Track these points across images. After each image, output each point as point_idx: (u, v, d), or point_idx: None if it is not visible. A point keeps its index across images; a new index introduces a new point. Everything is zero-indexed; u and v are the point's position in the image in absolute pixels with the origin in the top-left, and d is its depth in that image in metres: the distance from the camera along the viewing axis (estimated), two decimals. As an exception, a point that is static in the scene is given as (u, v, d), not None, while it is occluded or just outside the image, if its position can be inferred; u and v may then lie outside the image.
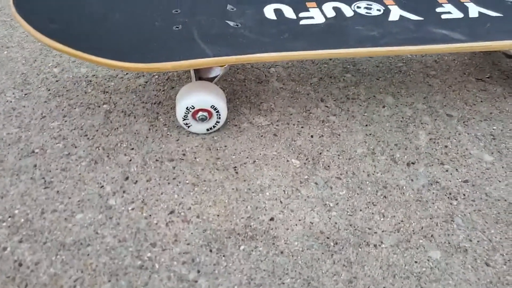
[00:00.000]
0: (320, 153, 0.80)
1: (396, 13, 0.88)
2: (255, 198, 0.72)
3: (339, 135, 0.85)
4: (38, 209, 0.70)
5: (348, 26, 0.84)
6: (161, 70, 0.70)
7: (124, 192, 0.73)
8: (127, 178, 0.75)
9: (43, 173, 0.75)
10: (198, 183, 0.74)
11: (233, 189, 0.73)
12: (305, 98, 0.93)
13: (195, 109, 0.78)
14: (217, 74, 0.88)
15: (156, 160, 0.78)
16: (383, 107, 0.92)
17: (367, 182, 0.75)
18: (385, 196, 0.72)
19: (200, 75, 0.88)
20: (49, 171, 0.76)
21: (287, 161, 0.79)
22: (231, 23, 0.82)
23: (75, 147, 0.80)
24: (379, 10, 0.89)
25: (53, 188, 0.73)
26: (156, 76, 0.98)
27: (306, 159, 0.79)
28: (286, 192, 0.73)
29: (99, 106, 0.90)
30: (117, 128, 0.85)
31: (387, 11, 0.89)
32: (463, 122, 0.88)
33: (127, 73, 0.99)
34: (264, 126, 0.86)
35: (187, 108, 0.78)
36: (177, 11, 0.85)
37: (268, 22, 0.84)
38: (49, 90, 0.94)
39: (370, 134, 0.85)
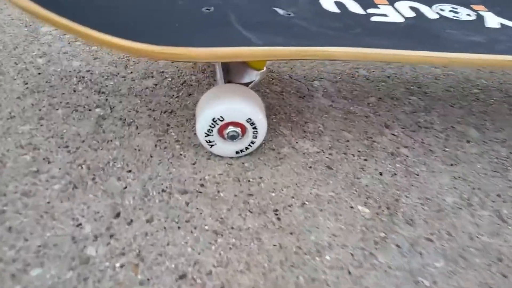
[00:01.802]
0: (397, 200, 0.57)
1: (493, 20, 0.67)
2: (310, 263, 0.47)
3: (417, 175, 0.61)
4: (-26, 254, 0.45)
5: (437, 29, 0.62)
6: (184, 58, 0.47)
7: (111, 236, 0.48)
8: (118, 215, 0.51)
9: (-6, 197, 0.51)
10: (223, 231, 0.50)
11: (275, 245, 0.49)
12: (363, 121, 0.70)
13: (224, 121, 0.55)
14: (252, 80, 0.66)
15: (163, 191, 0.54)
16: (468, 142, 0.69)
17: (472, 249, 0.51)
18: (504, 275, 0.48)
19: (230, 80, 0.65)
20: (4, 194, 0.52)
21: (351, 207, 0.55)
22: (280, 11, 0.60)
23: (48, 162, 0.56)
24: (469, 15, 0.68)
25: (3, 223, 0.48)
26: (169, 79, 0.75)
27: (379, 207, 0.55)
28: (355, 257, 0.49)
29: (90, 110, 0.66)
30: (111, 140, 0.61)
31: (480, 18, 0.68)
32: None
33: (131, 72, 0.76)
34: (313, 154, 0.62)
35: (213, 119, 0.54)
36: (208, -9, 0.63)
37: (329, 14, 0.62)
38: (26, 84, 0.70)
39: (459, 178, 0.62)
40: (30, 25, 0.89)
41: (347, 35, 0.55)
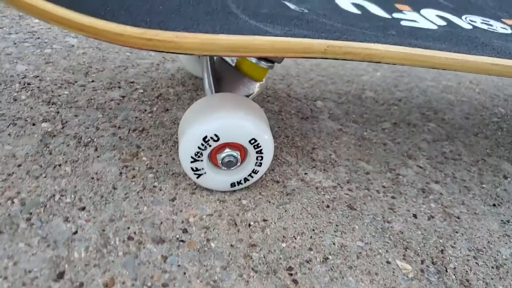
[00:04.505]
0: (442, 251, 0.43)
1: (533, 34, 0.57)
2: None
3: (458, 218, 0.48)
4: None
5: (482, 38, 0.51)
6: (175, 48, 0.33)
7: (46, 311, 0.31)
8: (61, 276, 0.34)
9: None
10: (219, 300, 0.34)
11: (295, 322, 0.34)
12: (381, 149, 0.58)
13: (219, 142, 0.40)
14: (250, 93, 0.52)
15: (129, 239, 0.38)
16: (505, 177, 0.57)
17: (554, 323, 0.38)
18: None
19: (222, 91, 0.51)
20: None
21: (388, 262, 0.40)
22: (292, 6, 0.47)
23: (-36, 195, 0.39)
24: (504, 28, 0.59)
25: None
26: (141, 90, 0.60)
27: (422, 262, 0.41)
28: (407, 338, 0.34)
29: (33, 124, 0.50)
30: (60, 165, 0.45)
31: (516, 32, 0.58)
32: None
33: (92, 80, 0.60)
34: (328, 188, 0.48)
35: (205, 139, 0.40)
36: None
37: (349, 14, 0.50)
38: None
39: (509, 222, 0.49)
40: (-32, 21, 0.72)
41: (384, 35, 0.43)
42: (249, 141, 0.41)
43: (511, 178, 0.57)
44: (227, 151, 0.41)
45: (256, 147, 0.41)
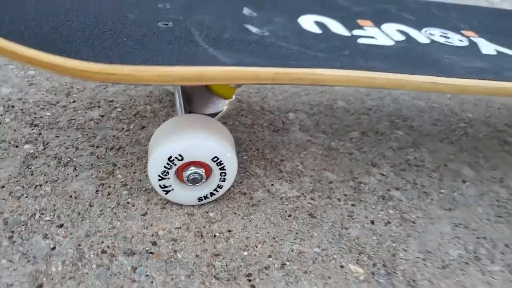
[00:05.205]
0: (394, 255, 0.47)
1: (488, 46, 0.61)
2: None
3: (413, 222, 0.52)
4: None
5: (434, 53, 0.55)
6: (132, 80, 0.36)
7: (24, 321, 0.35)
8: (37, 289, 0.38)
9: None
10: (181, 307, 0.38)
11: (249, 325, 0.37)
12: (347, 159, 0.61)
13: (183, 161, 0.44)
14: (219, 111, 0.56)
15: (103, 252, 0.42)
16: (463, 182, 0.61)
17: (491, 319, 0.41)
18: None
19: (192, 110, 0.55)
20: None
21: (341, 266, 0.44)
22: (253, 29, 0.51)
23: (-49, 216, 0.43)
24: (461, 41, 0.62)
25: None
26: (119, 109, 0.64)
27: (373, 265, 0.45)
28: (351, 336, 0.38)
29: (16, 146, 0.53)
30: (40, 185, 0.48)
31: (473, 44, 0.62)
32: None
33: (74, 101, 0.64)
34: (292, 198, 0.52)
35: (170, 158, 0.43)
36: (165, 6, 0.53)
37: (309, 34, 0.53)
38: None
39: (461, 225, 0.53)
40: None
41: (335, 56, 0.46)
42: (212, 159, 0.45)
43: (469, 182, 0.61)
44: (192, 168, 0.45)
45: (219, 164, 0.45)
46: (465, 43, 0.61)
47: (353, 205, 0.53)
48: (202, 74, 0.37)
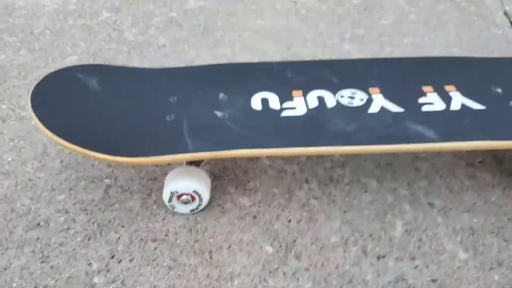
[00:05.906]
0: (295, 240, 0.84)
1: (378, 103, 0.91)
2: (223, 286, 0.77)
3: (316, 221, 0.88)
4: (32, 283, 0.78)
5: (327, 119, 0.88)
6: (145, 164, 0.78)
7: (108, 271, 0.80)
8: (113, 257, 0.82)
9: (43, 246, 0.85)
10: (174, 266, 0.80)
11: (205, 275, 0.79)
12: (290, 178, 0.98)
13: (179, 193, 0.85)
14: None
15: (141, 240, 0.85)
16: (365, 192, 0.95)
17: (334, 275, 0.78)
18: (347, 294, 0.75)
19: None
20: (49, 245, 0.85)
21: (261, 247, 0.83)
22: (219, 114, 0.89)
23: (74, 221, 0.89)
24: (362, 99, 0.92)
25: (49, 263, 0.82)
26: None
27: (280, 246, 0.83)
28: (254, 282, 0.77)
29: (101, 180, 0.99)
30: (114, 204, 0.93)
31: (369, 101, 0.92)
32: (444, 212, 0.89)
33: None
34: (247, 207, 0.91)
35: (171, 192, 0.85)
36: (174, 99, 0.93)
37: (253, 113, 0.90)
38: (62, 162, 1.05)
39: (347, 222, 0.88)
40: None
41: (256, 135, 0.83)
42: (193, 191, 0.86)
43: (369, 192, 0.94)
44: (184, 196, 0.86)
45: (197, 194, 0.86)
46: (364, 101, 0.92)
47: (282, 210, 0.91)
48: (172, 160, 0.78)
